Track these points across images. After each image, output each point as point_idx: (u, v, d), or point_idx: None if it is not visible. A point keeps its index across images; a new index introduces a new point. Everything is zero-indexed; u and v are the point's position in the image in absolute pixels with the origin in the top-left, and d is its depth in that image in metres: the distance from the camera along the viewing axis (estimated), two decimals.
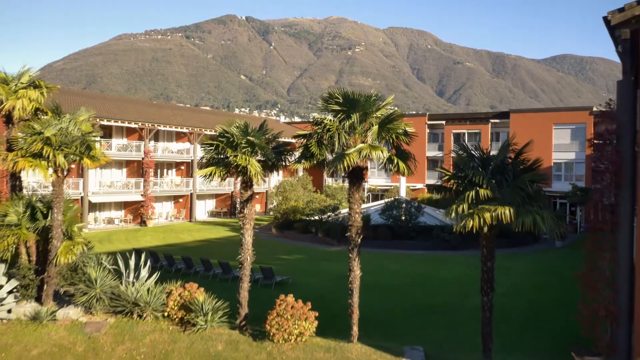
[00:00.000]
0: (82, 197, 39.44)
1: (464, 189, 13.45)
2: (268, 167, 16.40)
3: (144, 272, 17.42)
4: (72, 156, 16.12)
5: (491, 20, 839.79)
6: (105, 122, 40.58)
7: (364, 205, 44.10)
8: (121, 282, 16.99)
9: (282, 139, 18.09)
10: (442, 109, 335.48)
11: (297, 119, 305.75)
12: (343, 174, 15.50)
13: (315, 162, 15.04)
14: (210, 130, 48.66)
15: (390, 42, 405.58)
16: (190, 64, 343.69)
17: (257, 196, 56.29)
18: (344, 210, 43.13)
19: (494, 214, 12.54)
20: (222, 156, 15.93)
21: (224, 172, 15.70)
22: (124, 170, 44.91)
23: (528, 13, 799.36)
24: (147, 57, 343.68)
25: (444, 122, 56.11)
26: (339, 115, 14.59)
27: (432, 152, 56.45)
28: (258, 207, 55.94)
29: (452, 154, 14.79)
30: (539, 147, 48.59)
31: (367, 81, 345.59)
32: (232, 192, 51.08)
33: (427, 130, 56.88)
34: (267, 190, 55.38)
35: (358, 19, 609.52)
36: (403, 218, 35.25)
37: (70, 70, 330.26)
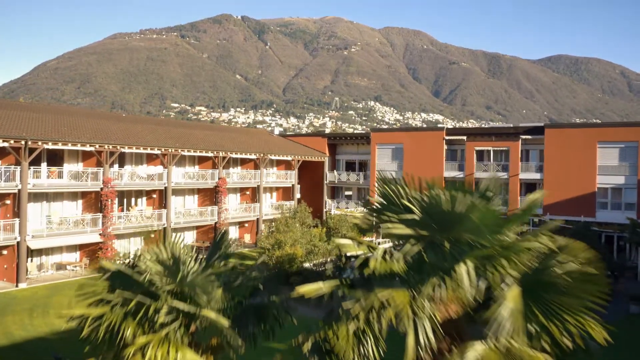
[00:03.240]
0: (18, 243, 29.98)
1: None
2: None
3: None
4: None
5: (487, 21, 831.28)
6: (50, 146, 31.13)
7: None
8: None
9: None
10: (438, 109, 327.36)
11: (292, 120, 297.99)
12: None
13: None
14: (188, 151, 39.30)
15: (386, 42, 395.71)
16: (186, 64, 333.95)
17: (246, 224, 46.92)
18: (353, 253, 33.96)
19: None
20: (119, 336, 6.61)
21: None
22: (79, 202, 35.49)
23: (523, 13, 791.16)
24: (141, 57, 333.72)
25: (464, 137, 46.85)
26: (409, 246, 5.40)
27: (450, 172, 47.23)
28: (247, 238, 46.56)
29: None
30: (580, 169, 39.52)
31: (363, 81, 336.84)
32: (215, 222, 41.74)
33: (445, 147, 47.61)
34: (257, 218, 45.99)
35: (354, 18, 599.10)
36: None
37: (64, 70, 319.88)
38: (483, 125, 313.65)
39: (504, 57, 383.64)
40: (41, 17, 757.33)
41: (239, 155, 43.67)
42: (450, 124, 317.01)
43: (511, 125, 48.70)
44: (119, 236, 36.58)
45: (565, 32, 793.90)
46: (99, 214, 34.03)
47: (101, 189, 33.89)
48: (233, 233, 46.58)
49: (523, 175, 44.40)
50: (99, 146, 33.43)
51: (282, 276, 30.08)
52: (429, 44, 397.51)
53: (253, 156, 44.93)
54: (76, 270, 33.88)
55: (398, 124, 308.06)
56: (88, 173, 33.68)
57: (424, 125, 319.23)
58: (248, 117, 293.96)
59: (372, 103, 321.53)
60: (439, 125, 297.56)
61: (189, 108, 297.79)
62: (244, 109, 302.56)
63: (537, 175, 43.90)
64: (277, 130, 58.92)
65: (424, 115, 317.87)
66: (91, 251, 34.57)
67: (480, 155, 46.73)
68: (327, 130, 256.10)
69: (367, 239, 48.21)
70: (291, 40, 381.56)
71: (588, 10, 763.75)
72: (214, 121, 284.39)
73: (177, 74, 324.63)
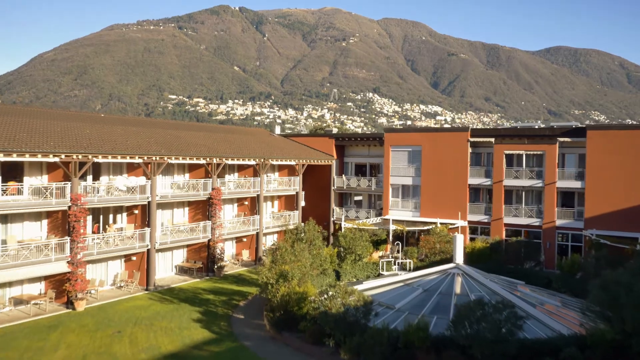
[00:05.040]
0: None
1: None
2: None
3: None
4: None
5: (486, 12, 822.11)
6: (2, 158, 24.70)
7: (398, 278, 28.59)
8: None
9: None
10: (437, 100, 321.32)
11: (291, 111, 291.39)
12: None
13: None
14: (176, 158, 32.90)
15: (384, 33, 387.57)
16: (183, 55, 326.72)
17: (244, 239, 40.63)
18: (378, 289, 27.64)
19: None
20: None
21: None
22: (44, 222, 29.12)
23: (522, 4, 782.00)
24: (139, 48, 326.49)
25: (492, 139, 40.53)
26: None
27: (475, 178, 40.96)
28: (246, 254, 40.26)
29: None
30: (629, 178, 32.70)
31: (361, 73, 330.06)
32: (208, 240, 35.41)
33: (469, 150, 41.32)
34: (257, 232, 39.69)
35: (352, 9, 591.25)
36: (489, 334, 19.65)
37: (61, 61, 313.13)
38: (482, 116, 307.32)
39: (502, 48, 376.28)
40: (38, 8, 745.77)
41: (235, 162, 37.32)
42: (449, 116, 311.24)
43: (545, 126, 42.40)
44: (94, 261, 30.32)
45: (564, 23, 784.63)
46: (67, 237, 27.67)
47: (69, 207, 27.52)
48: (229, 249, 40.29)
49: (560, 184, 38.22)
50: (66, 156, 27.01)
51: (289, 319, 23.86)
52: (428, 35, 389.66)
53: (252, 162, 38.58)
54: (40, 305, 27.61)
55: (397, 116, 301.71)
56: (52, 188, 27.29)
57: (422, 117, 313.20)
58: (246, 109, 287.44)
59: (371, 95, 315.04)
60: (441, 120, 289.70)
61: (187, 100, 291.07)
62: (242, 100, 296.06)
63: (577, 184, 37.68)
64: (277, 129, 52.48)
65: (422, 107, 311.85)
66: (58, 281, 28.25)
67: (510, 160, 40.50)
68: (327, 123, 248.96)
69: (380, 252, 42.05)
70: (289, 31, 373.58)
71: (587, 2, 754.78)
72: (211, 113, 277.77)
73: (175, 66, 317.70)
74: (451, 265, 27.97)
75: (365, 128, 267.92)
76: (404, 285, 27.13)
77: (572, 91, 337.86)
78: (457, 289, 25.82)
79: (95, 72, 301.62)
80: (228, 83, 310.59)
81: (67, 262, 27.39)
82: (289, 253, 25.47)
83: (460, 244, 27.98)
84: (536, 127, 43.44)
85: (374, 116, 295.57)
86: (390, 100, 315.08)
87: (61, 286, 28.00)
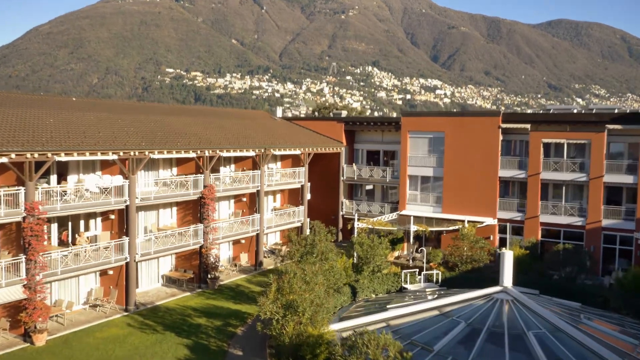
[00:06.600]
0: None
1: None
2: None
3: None
4: None
5: None
6: None
7: (431, 304, 22.95)
8: None
9: None
10: (436, 74, 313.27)
11: (289, 85, 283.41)
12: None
13: None
14: (160, 152, 26.93)
15: (384, 5, 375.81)
16: (180, 28, 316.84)
17: (242, 241, 34.87)
18: (407, 318, 21.79)
19: None
20: None
21: None
22: None
23: None
24: (135, 21, 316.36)
25: (528, 125, 34.49)
26: None
27: (507, 170, 35.12)
28: (244, 258, 34.52)
29: None
30: None
31: (360, 46, 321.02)
32: (200, 246, 29.68)
33: (501, 137, 35.38)
34: (257, 233, 33.97)
35: None
36: None
37: (56, 34, 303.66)
38: (482, 90, 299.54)
39: (503, 21, 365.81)
40: None
41: (232, 154, 31.40)
42: (448, 90, 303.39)
43: (587, 111, 36.46)
44: (62, 278, 24.60)
45: None
46: (22, 255, 21.90)
47: (23, 218, 21.67)
48: (225, 252, 34.59)
49: (607, 178, 32.43)
50: (17, 155, 21.06)
51: None
52: (428, 8, 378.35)
53: (251, 152, 32.64)
54: None
55: (396, 90, 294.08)
56: (1, 197, 21.36)
57: (422, 91, 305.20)
58: (244, 83, 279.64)
59: (370, 68, 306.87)
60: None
61: (184, 74, 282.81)
62: (240, 74, 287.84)
63: (627, 178, 31.84)
64: (279, 111, 46.30)
65: (422, 80, 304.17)
66: (14, 307, 22.59)
67: (547, 150, 34.62)
68: (326, 97, 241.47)
69: (396, 252, 36.47)
70: (288, 4, 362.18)
71: None
72: (209, 87, 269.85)
73: (172, 39, 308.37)
74: (497, 288, 22.37)
75: (364, 102, 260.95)
76: (440, 315, 21.56)
77: (572, 65, 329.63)
78: (510, 322, 20.27)
79: (92, 45, 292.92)
80: (226, 56, 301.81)
81: (23, 285, 21.68)
82: (299, 279, 19.75)
83: (509, 262, 22.30)
84: (575, 111, 37.45)
85: (373, 90, 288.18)
86: (390, 73, 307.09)
87: (17, 313, 22.34)
